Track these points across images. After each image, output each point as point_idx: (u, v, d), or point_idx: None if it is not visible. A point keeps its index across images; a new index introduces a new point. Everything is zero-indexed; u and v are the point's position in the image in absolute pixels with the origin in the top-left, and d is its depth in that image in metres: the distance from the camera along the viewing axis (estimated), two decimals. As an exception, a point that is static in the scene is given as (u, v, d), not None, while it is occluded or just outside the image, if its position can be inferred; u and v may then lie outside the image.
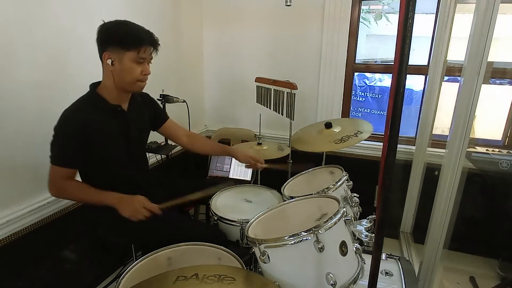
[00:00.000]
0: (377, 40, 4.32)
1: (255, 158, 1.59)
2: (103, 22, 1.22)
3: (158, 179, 1.56)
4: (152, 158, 2.09)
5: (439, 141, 2.15)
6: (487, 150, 2.00)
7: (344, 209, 1.03)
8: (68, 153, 1.22)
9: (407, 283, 1.28)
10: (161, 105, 1.90)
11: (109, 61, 1.21)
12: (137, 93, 1.41)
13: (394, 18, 3.77)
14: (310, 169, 1.66)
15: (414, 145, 2.31)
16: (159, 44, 1.27)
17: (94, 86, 1.30)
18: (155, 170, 2.12)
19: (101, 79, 1.29)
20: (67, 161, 1.23)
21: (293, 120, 1.97)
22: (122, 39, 1.19)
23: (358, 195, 1.40)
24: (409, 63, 0.60)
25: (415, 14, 0.59)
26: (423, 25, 2.43)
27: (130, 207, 1.22)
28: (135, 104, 1.40)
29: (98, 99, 1.27)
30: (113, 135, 1.30)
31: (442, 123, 2.20)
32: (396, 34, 0.61)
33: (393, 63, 0.62)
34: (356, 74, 2.49)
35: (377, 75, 3.83)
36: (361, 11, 2.28)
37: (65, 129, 1.19)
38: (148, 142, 1.66)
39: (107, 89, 1.28)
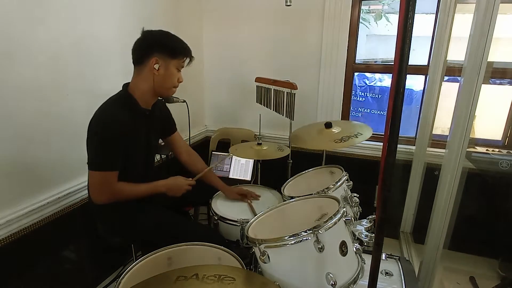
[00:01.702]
0: (377, 40, 4.33)
1: (242, 191, 1.65)
2: (144, 29, 1.30)
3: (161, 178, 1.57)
4: (152, 158, 2.09)
5: (439, 141, 2.14)
6: (487, 150, 2.00)
7: (344, 209, 1.02)
8: (115, 156, 1.24)
9: (407, 283, 1.28)
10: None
11: (156, 66, 1.27)
12: (160, 100, 1.45)
13: (394, 18, 3.78)
14: (310, 169, 1.66)
15: (414, 145, 2.30)
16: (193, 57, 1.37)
17: (126, 86, 1.33)
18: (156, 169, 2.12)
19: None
20: (116, 164, 1.25)
21: (293, 120, 1.97)
22: (173, 48, 1.30)
23: (358, 195, 1.40)
24: (409, 63, 0.60)
25: (415, 14, 0.59)
26: (423, 25, 2.43)
27: (178, 188, 1.40)
28: (156, 109, 1.43)
29: (131, 101, 1.29)
30: (140, 136, 1.34)
31: (442, 123, 2.20)
32: (396, 34, 0.60)
33: (393, 63, 0.62)
34: (356, 74, 2.49)
35: (377, 75, 3.83)
36: (361, 11, 2.28)
37: (111, 133, 1.21)
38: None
39: (141, 91, 1.31)
